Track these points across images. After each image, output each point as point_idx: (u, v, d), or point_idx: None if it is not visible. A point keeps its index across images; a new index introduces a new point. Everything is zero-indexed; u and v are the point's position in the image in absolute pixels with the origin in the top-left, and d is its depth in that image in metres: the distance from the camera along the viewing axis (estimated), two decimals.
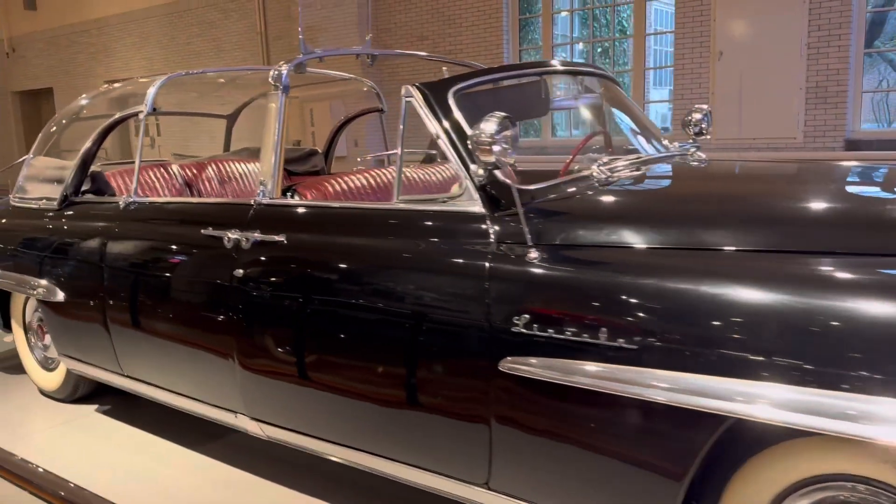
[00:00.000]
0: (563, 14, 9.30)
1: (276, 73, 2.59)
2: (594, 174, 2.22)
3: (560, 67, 2.85)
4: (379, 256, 2.20)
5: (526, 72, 2.69)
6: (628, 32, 9.08)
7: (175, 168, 3.75)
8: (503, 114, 1.93)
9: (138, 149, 3.05)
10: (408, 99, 2.26)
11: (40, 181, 3.63)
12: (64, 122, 3.77)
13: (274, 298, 2.40)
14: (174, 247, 2.79)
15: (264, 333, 2.42)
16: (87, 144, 3.26)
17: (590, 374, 1.67)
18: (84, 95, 3.84)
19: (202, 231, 2.63)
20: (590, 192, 2.16)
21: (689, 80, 8.06)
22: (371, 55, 3.25)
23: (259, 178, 2.58)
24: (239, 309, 2.46)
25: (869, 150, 7.17)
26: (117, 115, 3.20)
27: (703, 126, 2.90)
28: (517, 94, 2.71)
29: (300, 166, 4.43)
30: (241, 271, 2.46)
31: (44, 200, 3.48)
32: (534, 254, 1.85)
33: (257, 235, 2.45)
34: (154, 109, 3.03)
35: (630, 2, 8.52)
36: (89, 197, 3.36)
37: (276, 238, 2.41)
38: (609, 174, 2.23)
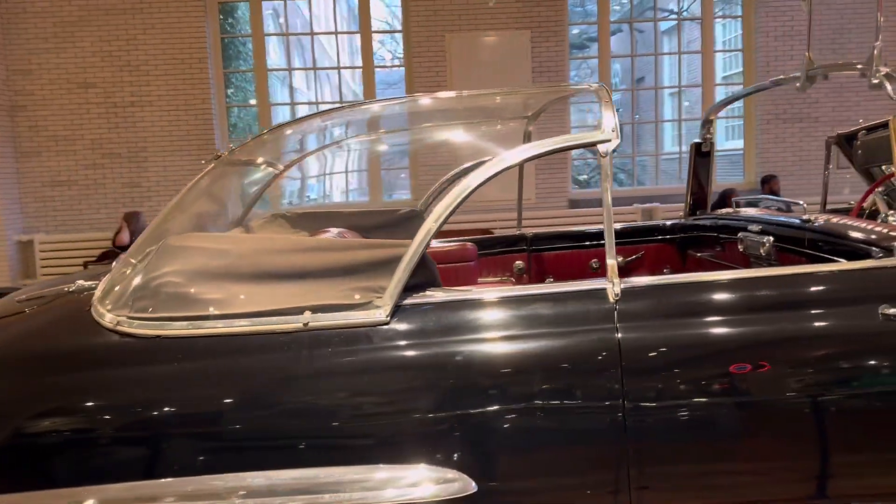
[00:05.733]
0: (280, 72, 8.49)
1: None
2: None
3: None
4: None
5: None
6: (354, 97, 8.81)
7: None
8: None
9: (606, 202, 1.86)
10: None
11: (266, 278, 1.79)
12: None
13: None
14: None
15: None
16: (457, 196, 1.80)
17: None
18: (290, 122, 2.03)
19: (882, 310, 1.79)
20: None
21: (430, 149, 8.30)
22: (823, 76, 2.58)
23: None
24: None
25: (584, 207, 8.54)
26: (566, 143, 1.86)
27: None
28: None
29: (393, 233, 3.19)
30: None
31: (346, 313, 1.72)
32: None
33: None
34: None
35: (359, 67, 8.34)
36: (436, 295, 1.84)
37: None
38: None
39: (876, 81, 2.03)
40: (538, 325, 1.80)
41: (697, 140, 3.29)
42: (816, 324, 1.81)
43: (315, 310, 1.78)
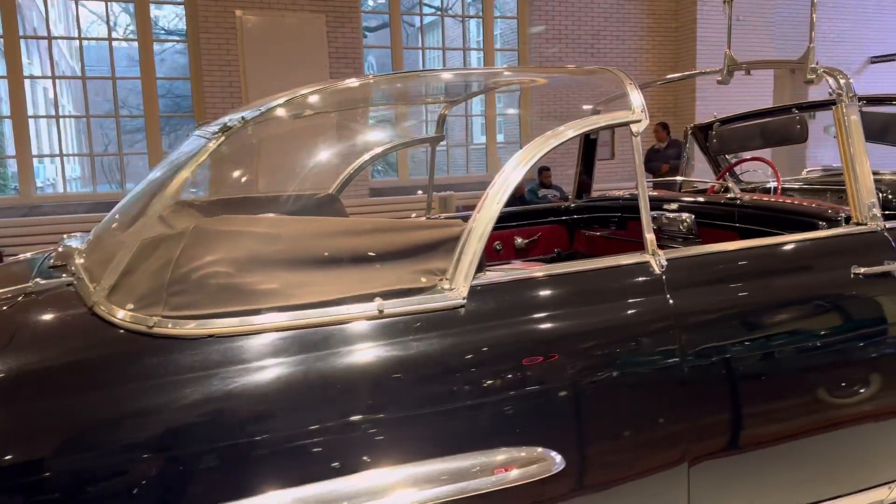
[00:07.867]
0: None
1: (844, 81, 2.25)
2: None
3: None
4: None
5: None
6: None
7: None
8: None
9: (640, 180, 1.90)
10: None
11: (322, 264, 1.51)
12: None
13: None
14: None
15: None
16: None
17: None
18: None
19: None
20: None
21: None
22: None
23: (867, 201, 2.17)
24: None
25: (385, 196, 8.65)
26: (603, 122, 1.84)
27: None
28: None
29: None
30: None
31: (420, 297, 1.55)
32: None
33: None
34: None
35: (134, 40, 7.46)
36: (499, 275, 1.72)
37: None
38: None
39: (811, 77, 2.36)
40: (601, 300, 1.82)
41: None
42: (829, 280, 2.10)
43: (385, 296, 1.61)
